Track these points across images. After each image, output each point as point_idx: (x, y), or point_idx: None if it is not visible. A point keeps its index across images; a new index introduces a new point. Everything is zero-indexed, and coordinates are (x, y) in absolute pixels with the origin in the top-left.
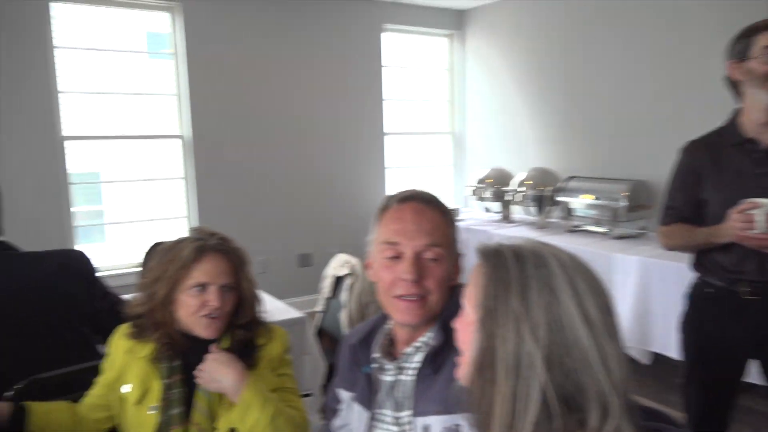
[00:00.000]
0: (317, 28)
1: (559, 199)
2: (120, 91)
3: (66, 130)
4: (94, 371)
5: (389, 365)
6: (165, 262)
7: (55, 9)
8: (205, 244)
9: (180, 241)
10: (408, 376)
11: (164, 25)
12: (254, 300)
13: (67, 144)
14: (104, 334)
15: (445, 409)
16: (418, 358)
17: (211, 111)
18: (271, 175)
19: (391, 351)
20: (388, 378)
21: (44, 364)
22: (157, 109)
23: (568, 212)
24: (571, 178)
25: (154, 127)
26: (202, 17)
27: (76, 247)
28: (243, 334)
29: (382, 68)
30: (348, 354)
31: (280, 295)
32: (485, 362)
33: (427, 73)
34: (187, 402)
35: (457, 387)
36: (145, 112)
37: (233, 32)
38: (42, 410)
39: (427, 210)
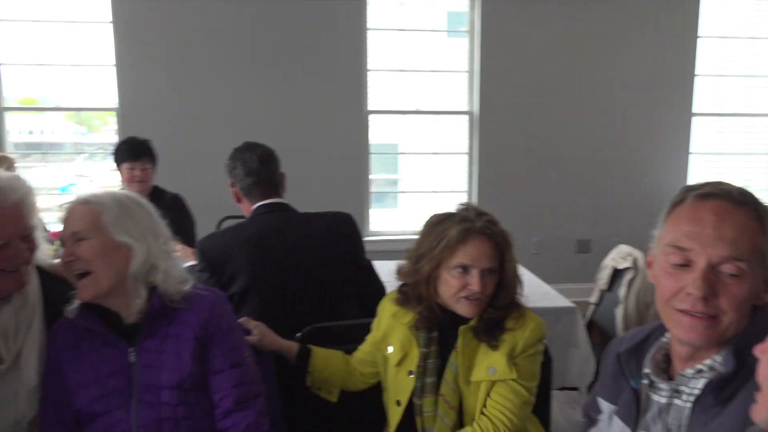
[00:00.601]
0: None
1: None
2: (418, 68)
3: (371, 104)
4: (365, 328)
5: (663, 384)
6: (431, 239)
7: None
8: (472, 226)
9: (447, 218)
10: (684, 402)
11: (463, 4)
12: (515, 283)
13: (371, 117)
14: (362, 295)
15: None
16: (700, 384)
17: (499, 89)
18: (555, 155)
19: (665, 368)
20: (659, 398)
21: (321, 314)
22: (450, 86)
23: None
24: None
25: (446, 103)
26: None
27: (371, 211)
28: (493, 313)
29: (698, 39)
30: (614, 362)
31: (552, 279)
32: None
33: (751, 42)
34: (441, 373)
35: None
36: (439, 88)
37: (528, 11)
38: (322, 355)
39: (735, 213)
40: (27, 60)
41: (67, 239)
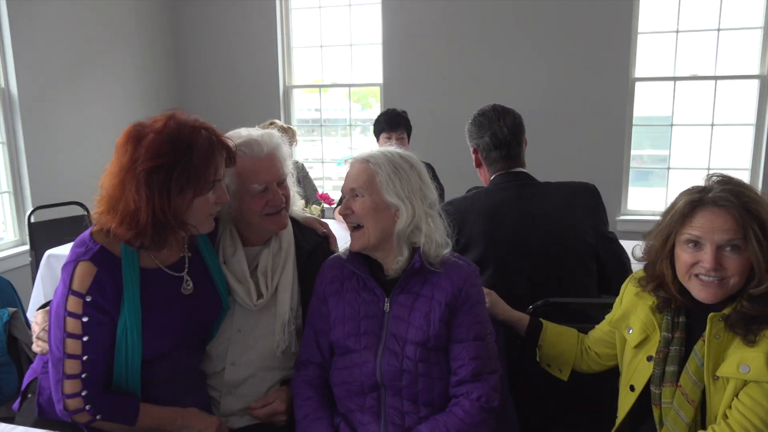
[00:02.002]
0: None
1: None
2: (695, 28)
3: (639, 71)
4: (602, 308)
5: None
6: (664, 213)
7: None
8: (703, 197)
9: (686, 191)
10: None
11: None
12: None
13: (637, 85)
14: (600, 272)
15: None
16: None
17: None
18: None
19: None
20: None
21: (555, 288)
22: (736, 47)
23: None
24: None
25: (730, 67)
26: None
27: (631, 189)
28: (748, 307)
29: None
30: None
31: None
32: None
33: None
34: (684, 363)
35: None
36: (722, 50)
37: None
38: (554, 330)
39: None
40: (313, 42)
41: (346, 193)
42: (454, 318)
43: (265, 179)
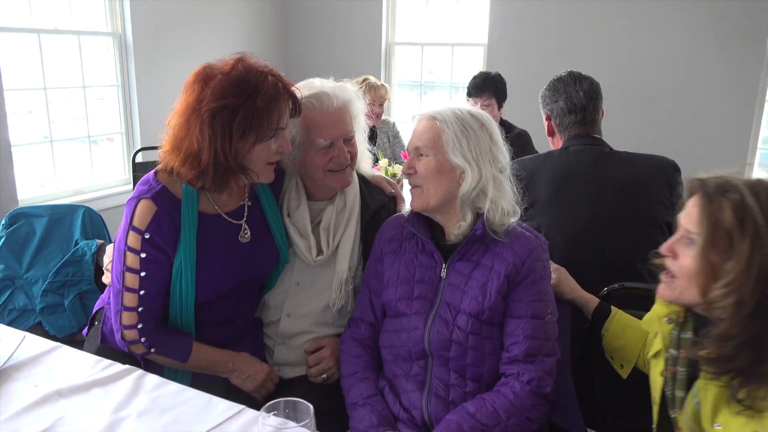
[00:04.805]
0: None
1: None
2: None
3: None
4: None
5: None
6: None
7: None
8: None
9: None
10: None
11: None
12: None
13: None
14: None
15: None
16: None
17: None
18: None
19: None
20: None
21: (624, 264)
22: None
23: None
24: None
25: None
26: None
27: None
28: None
29: None
30: None
31: None
32: None
33: None
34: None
35: None
36: None
37: None
38: (622, 321)
39: None
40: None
41: (411, 151)
42: (513, 292)
43: (331, 135)
